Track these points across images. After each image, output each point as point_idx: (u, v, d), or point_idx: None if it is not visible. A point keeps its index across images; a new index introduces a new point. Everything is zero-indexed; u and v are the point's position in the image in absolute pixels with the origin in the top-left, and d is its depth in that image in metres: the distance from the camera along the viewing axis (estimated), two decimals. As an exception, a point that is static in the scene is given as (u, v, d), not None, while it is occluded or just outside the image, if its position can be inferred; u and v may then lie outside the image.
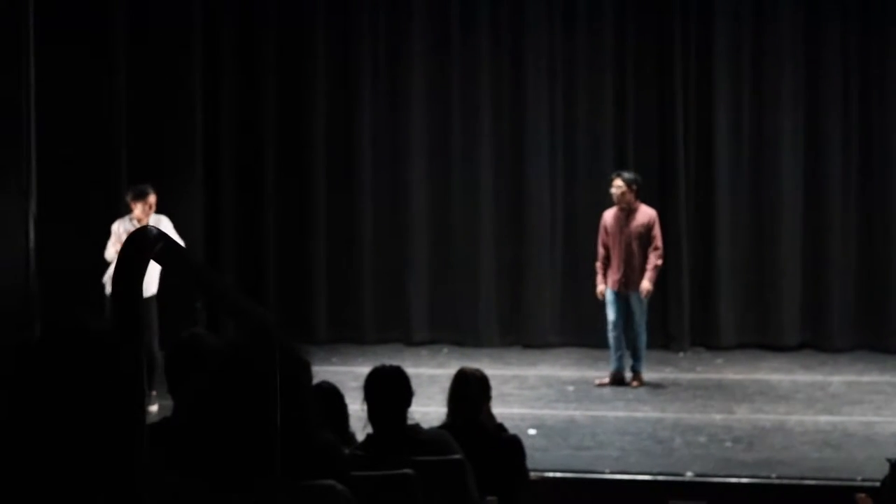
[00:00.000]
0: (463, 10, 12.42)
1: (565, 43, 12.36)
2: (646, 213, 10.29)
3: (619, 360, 10.36)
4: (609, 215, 10.40)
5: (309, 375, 2.99)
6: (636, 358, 10.34)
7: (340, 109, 12.50)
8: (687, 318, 12.10)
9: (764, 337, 12.13)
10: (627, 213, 10.27)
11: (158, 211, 9.34)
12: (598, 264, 10.38)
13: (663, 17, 12.21)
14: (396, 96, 12.51)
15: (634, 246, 10.21)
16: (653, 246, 10.22)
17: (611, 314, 10.31)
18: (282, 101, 12.48)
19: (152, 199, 9.24)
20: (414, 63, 12.43)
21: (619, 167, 11.30)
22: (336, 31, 12.51)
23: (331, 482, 2.70)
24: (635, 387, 10.27)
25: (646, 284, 10.18)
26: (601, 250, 10.37)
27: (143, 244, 1.76)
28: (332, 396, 5.24)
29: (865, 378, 10.78)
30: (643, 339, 10.29)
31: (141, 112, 11.54)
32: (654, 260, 10.20)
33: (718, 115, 12.20)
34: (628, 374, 10.38)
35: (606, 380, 10.40)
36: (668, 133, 12.21)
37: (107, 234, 9.33)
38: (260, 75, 12.46)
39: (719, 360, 11.63)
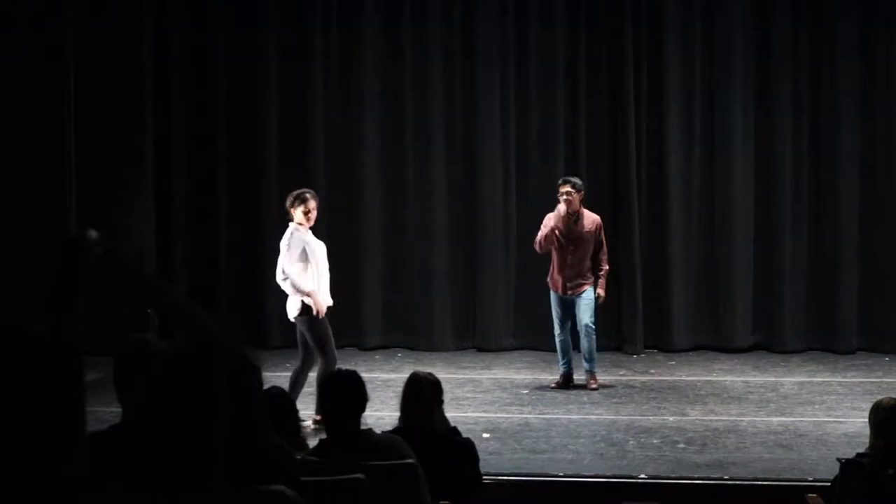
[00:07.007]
0: (415, 10, 12.41)
1: (518, 43, 12.38)
2: (591, 219, 10.28)
3: (568, 363, 10.37)
4: (555, 219, 10.33)
5: (259, 380, 2.98)
6: (590, 360, 10.31)
7: (293, 115, 12.45)
8: (640, 321, 12.16)
9: (716, 339, 12.21)
10: (575, 218, 10.26)
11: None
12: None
13: (615, 20, 12.25)
14: (349, 102, 12.48)
15: (582, 251, 10.20)
16: (602, 251, 10.24)
17: (556, 318, 10.33)
18: (233, 107, 12.42)
19: (312, 204, 9.10)
20: (366, 65, 12.40)
21: (573, 170, 11.34)
22: (288, 37, 12.45)
23: (281, 487, 2.68)
24: (594, 388, 10.26)
25: (601, 292, 10.21)
26: (544, 246, 10.27)
27: (80, 248, 1.74)
28: (281, 401, 5.21)
29: (817, 379, 10.87)
30: (594, 341, 10.24)
31: (91, 124, 11.42)
32: (605, 266, 10.24)
33: (670, 120, 12.26)
34: (583, 377, 10.39)
35: (561, 381, 10.43)
36: (621, 135, 12.24)
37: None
38: (212, 81, 12.40)
39: (672, 363, 11.69)
